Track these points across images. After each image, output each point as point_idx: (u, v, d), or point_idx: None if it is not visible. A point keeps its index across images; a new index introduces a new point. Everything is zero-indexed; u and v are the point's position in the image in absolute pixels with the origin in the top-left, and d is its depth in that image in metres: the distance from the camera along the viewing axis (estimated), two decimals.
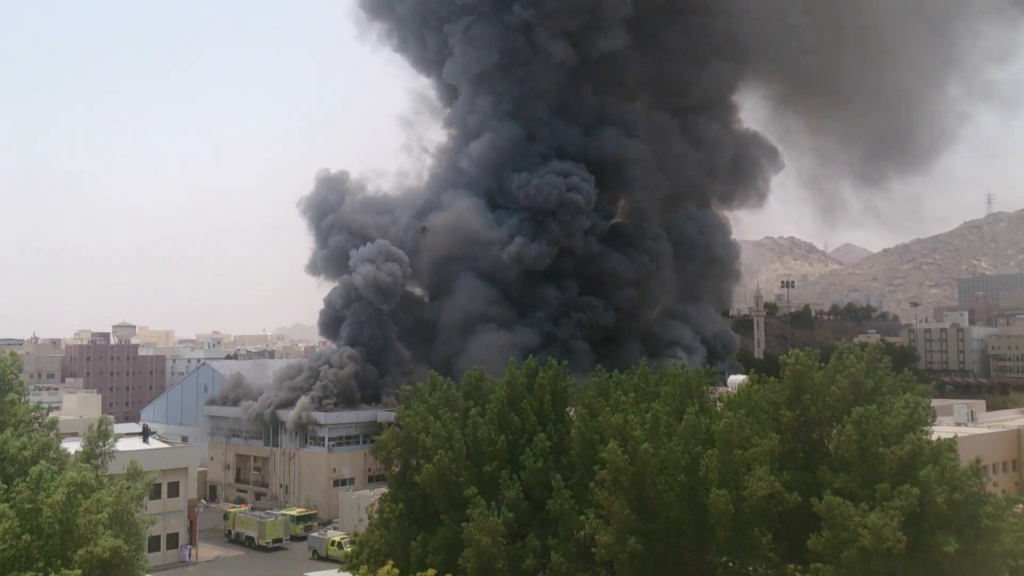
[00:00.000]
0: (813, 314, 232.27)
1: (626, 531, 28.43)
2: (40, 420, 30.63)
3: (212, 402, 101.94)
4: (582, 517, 30.53)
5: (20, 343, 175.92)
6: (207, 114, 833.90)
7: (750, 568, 28.72)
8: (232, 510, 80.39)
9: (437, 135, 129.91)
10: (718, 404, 35.43)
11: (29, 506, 24.71)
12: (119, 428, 65.97)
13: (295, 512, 79.35)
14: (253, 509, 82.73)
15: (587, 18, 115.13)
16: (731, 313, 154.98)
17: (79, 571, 24.11)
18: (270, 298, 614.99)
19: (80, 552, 24.43)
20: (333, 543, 66.86)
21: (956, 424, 66.55)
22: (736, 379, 60.84)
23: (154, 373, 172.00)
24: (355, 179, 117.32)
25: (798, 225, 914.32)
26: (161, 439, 76.08)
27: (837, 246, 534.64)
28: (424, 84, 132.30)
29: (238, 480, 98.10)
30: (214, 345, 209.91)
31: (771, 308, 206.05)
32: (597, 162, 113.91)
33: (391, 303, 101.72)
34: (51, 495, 24.65)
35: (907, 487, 25.84)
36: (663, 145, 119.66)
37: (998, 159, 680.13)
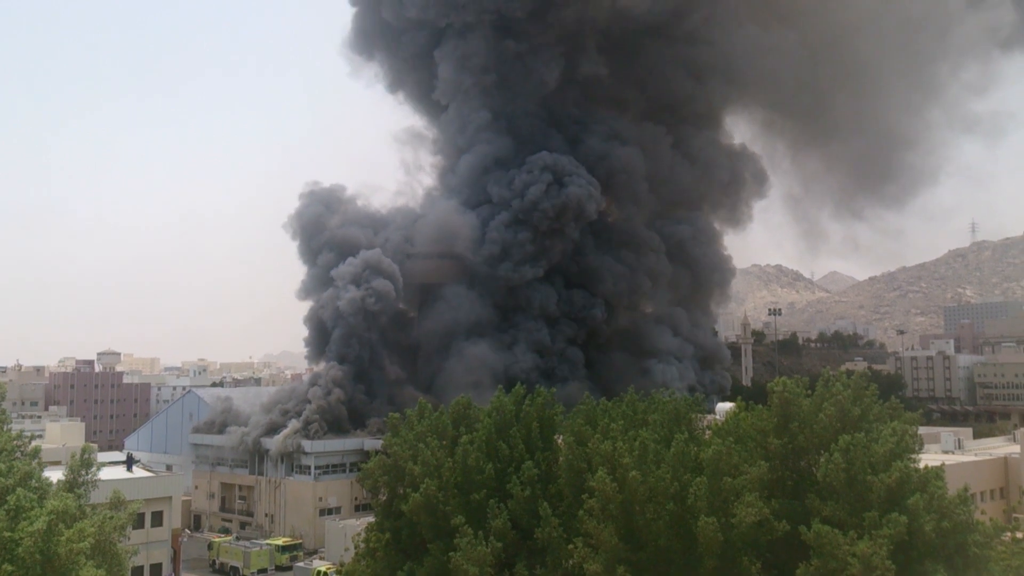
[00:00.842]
0: (800, 341, 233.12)
1: (615, 560, 28.22)
2: (22, 448, 30.25)
3: (197, 430, 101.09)
4: (570, 546, 30.29)
5: (3, 370, 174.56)
6: (193, 138, 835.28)
7: None
8: (217, 540, 79.51)
9: (432, 159, 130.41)
10: (706, 432, 35.35)
11: (8, 534, 24.35)
12: (103, 456, 65.23)
13: (280, 542, 78.52)
14: (238, 539, 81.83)
15: (576, 44, 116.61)
16: (719, 339, 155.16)
17: None
18: (257, 325, 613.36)
19: None
20: (319, 573, 66.10)
21: (943, 452, 66.65)
22: (724, 406, 60.85)
23: (139, 401, 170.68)
24: (346, 193, 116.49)
25: (785, 253, 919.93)
26: (145, 468, 75.24)
27: (823, 274, 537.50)
28: (419, 119, 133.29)
29: (223, 509, 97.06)
30: (200, 373, 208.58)
31: (759, 335, 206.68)
32: (586, 168, 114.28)
33: (379, 323, 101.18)
34: (32, 524, 24.30)
35: (895, 515, 25.79)
36: (653, 154, 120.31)
37: (982, 188, 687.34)
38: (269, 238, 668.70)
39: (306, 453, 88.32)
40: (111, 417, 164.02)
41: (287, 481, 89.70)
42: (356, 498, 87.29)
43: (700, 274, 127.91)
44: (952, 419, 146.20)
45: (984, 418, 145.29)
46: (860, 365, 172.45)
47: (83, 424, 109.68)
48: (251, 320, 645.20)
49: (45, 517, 24.44)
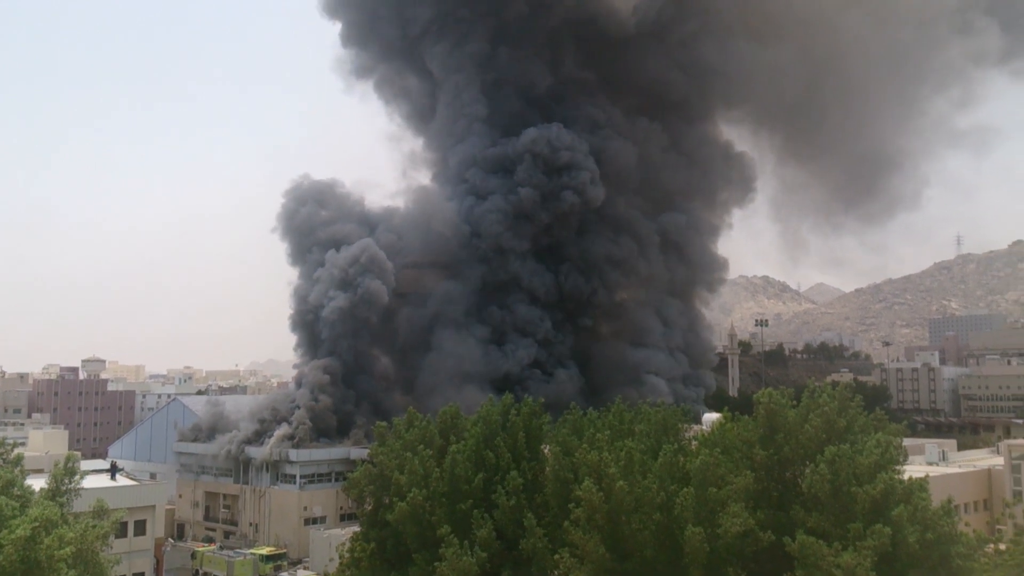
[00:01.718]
0: (787, 353, 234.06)
1: (600, 570, 28.20)
2: (5, 456, 30.04)
3: (185, 436, 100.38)
4: (556, 556, 30.24)
5: None
6: (180, 143, 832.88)
7: None
8: (200, 549, 78.93)
9: (425, 157, 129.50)
10: (693, 442, 35.43)
11: None
12: (86, 464, 64.75)
13: (265, 551, 77.98)
14: (222, 548, 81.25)
15: (567, 44, 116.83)
16: (708, 334, 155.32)
17: None
18: (244, 333, 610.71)
19: None
20: None
21: (928, 464, 66.90)
22: (711, 417, 60.97)
23: (123, 408, 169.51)
24: (336, 188, 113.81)
25: (772, 264, 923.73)
26: (129, 476, 74.72)
27: (810, 285, 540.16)
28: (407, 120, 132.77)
29: (207, 518, 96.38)
30: (185, 380, 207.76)
31: (745, 346, 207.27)
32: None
33: (369, 324, 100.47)
34: (13, 532, 24.10)
35: (879, 526, 25.89)
36: (644, 147, 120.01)
37: (967, 202, 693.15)
38: (257, 244, 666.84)
39: (291, 462, 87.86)
40: (95, 425, 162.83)
41: (272, 490, 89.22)
42: (341, 507, 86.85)
43: (692, 264, 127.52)
44: (936, 431, 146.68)
45: (968, 430, 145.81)
46: (846, 376, 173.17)
47: (66, 432, 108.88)
48: (238, 328, 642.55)
49: (28, 525, 24.24)
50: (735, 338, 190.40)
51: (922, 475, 31.02)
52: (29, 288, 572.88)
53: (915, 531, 25.98)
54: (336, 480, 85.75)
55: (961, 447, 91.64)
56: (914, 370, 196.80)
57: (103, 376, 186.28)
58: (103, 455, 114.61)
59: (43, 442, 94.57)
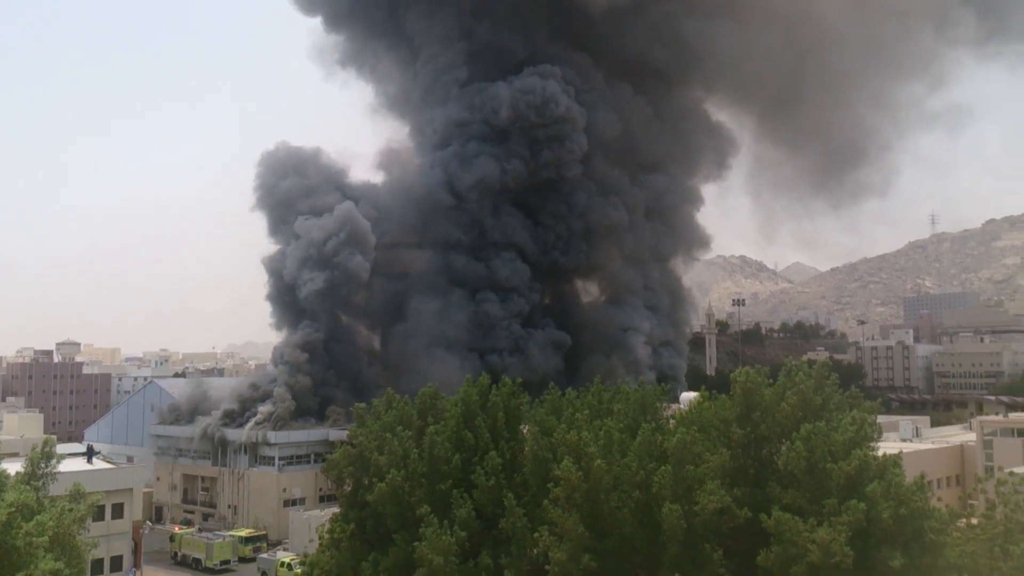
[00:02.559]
0: (763, 332, 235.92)
1: (580, 548, 28.41)
2: None
3: (163, 420, 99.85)
4: (536, 534, 30.44)
5: None
6: (154, 123, 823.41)
7: None
8: (179, 532, 78.77)
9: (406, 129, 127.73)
10: (671, 421, 35.67)
11: None
12: (62, 448, 64.26)
13: (244, 533, 77.96)
14: (200, 530, 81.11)
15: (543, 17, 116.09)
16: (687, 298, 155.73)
17: None
18: (220, 315, 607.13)
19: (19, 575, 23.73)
20: (283, 564, 65.75)
21: (902, 440, 67.85)
22: (688, 396, 61.40)
23: (99, 392, 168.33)
24: (314, 155, 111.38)
25: (749, 244, 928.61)
26: (106, 459, 74.34)
27: (787, 265, 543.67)
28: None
29: (185, 501, 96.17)
30: (161, 363, 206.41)
31: (722, 326, 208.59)
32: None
33: (350, 301, 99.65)
34: None
35: (854, 502, 26.22)
36: (627, 114, 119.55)
37: (941, 182, 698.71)
38: (233, 224, 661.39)
39: (270, 444, 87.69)
40: (70, 408, 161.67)
41: (250, 472, 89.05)
42: (321, 489, 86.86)
43: (674, 231, 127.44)
44: (910, 408, 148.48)
45: (941, 407, 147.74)
46: (821, 355, 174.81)
47: (41, 415, 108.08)
48: (214, 310, 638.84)
49: (4, 510, 24.07)
50: (712, 317, 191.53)
51: (896, 451, 31.43)
52: (2, 270, 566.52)
53: (889, 506, 26.33)
54: (315, 461, 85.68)
55: (934, 424, 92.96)
56: (888, 348, 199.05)
57: (78, 359, 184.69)
58: (79, 439, 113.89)
59: (18, 426, 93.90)
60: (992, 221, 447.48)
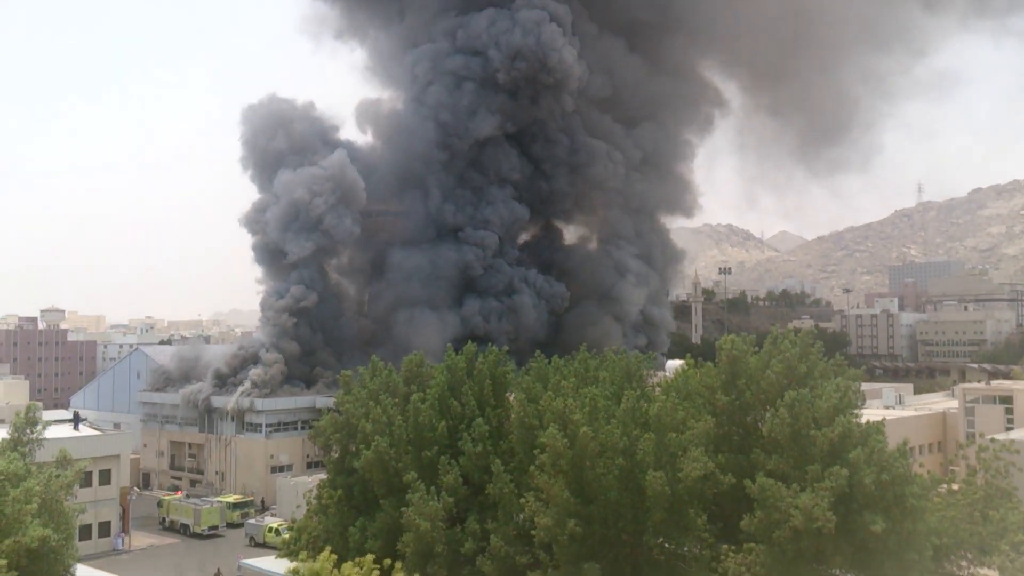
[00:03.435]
0: (749, 300, 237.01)
1: (565, 514, 28.64)
2: None
3: (154, 387, 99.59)
4: (522, 500, 30.66)
5: None
6: (140, 90, 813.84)
7: (685, 548, 29.20)
8: (167, 498, 79.03)
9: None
10: (656, 389, 35.87)
11: None
12: (48, 415, 64.20)
13: (231, 499, 78.29)
14: (188, 496, 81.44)
15: None
16: (670, 299, 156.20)
17: (4, 561, 23.45)
18: (206, 282, 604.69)
19: (7, 542, 23.75)
20: (271, 530, 66.16)
21: (885, 407, 68.54)
22: (674, 364, 61.77)
23: (84, 359, 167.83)
24: (304, 107, 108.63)
25: (736, 213, 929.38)
26: (92, 426, 74.38)
27: (773, 233, 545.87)
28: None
29: (172, 467, 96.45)
30: (147, 330, 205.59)
31: (709, 294, 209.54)
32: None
33: (340, 260, 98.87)
34: None
35: (837, 468, 26.48)
36: (618, 64, 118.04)
37: (928, 150, 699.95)
38: (218, 191, 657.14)
39: (257, 411, 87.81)
40: (56, 375, 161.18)
41: (238, 439, 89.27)
42: (308, 455, 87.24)
43: (665, 181, 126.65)
44: (894, 375, 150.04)
45: (925, 374, 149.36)
46: (807, 323, 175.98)
47: (27, 382, 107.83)
48: (199, 277, 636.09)
49: None
50: (699, 286, 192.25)
51: (879, 418, 31.73)
52: None
53: (871, 472, 26.61)
54: (302, 428, 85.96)
55: (917, 391, 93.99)
56: (873, 316, 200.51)
57: (63, 326, 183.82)
58: (65, 406, 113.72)
59: (3, 393, 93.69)
60: (978, 190, 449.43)
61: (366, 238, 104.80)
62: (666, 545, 29.46)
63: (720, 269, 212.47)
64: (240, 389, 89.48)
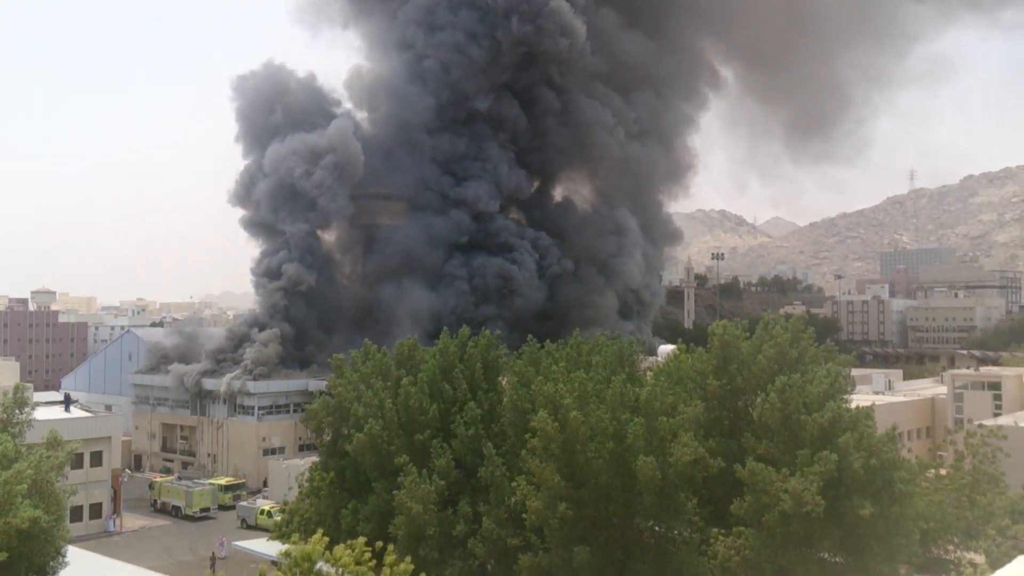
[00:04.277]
0: (741, 285, 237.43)
1: (556, 497, 28.77)
2: None
3: (150, 365, 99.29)
4: (513, 484, 30.80)
5: None
6: (129, 72, 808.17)
7: (675, 532, 29.38)
8: (158, 479, 79.02)
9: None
10: (648, 373, 35.98)
11: None
12: (39, 397, 64.14)
13: (223, 481, 78.31)
14: (180, 479, 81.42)
15: None
16: (663, 283, 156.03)
17: None
18: (198, 264, 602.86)
19: None
20: (262, 512, 66.25)
21: (874, 393, 68.79)
22: (666, 348, 61.93)
23: (76, 341, 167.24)
24: (299, 75, 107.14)
25: (729, 199, 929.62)
26: (83, 408, 74.22)
27: (766, 219, 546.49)
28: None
29: (164, 449, 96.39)
30: (139, 312, 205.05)
31: (701, 279, 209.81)
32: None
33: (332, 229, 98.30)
34: None
35: (826, 453, 26.64)
36: (614, 38, 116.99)
37: (921, 137, 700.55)
38: (210, 172, 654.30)
39: (249, 394, 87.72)
40: (47, 357, 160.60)
41: (230, 421, 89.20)
42: (300, 438, 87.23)
43: (665, 148, 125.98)
44: (884, 361, 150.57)
45: (914, 360, 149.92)
46: (798, 309, 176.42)
47: (17, 364, 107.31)
48: (191, 259, 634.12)
49: None
50: (691, 271, 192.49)
51: (868, 404, 31.91)
52: None
53: (860, 457, 26.78)
54: (294, 411, 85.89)
55: (907, 377, 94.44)
56: (864, 303, 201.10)
57: (54, 308, 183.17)
58: (56, 387, 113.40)
59: None
60: (970, 177, 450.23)
61: (360, 211, 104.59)
62: (656, 528, 29.66)
63: (713, 255, 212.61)
64: (232, 372, 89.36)
